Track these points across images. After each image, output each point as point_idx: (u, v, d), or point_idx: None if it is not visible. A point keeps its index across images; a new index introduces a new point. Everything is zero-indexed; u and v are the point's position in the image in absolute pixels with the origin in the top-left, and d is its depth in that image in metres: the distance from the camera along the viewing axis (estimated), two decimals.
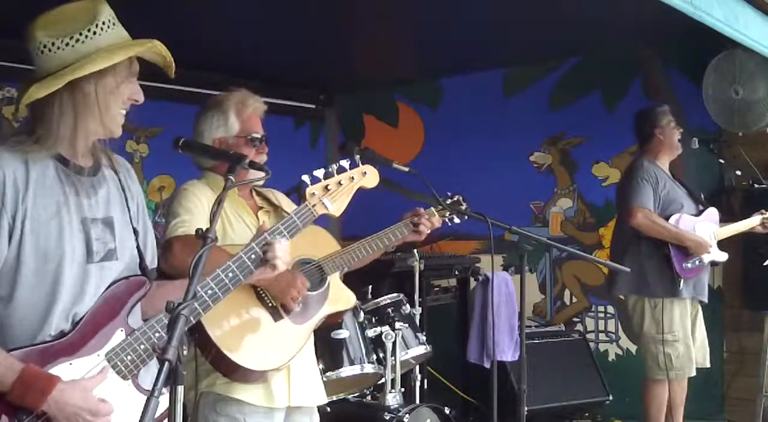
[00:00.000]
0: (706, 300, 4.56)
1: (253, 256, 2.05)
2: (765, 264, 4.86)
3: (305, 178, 2.19)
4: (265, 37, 5.01)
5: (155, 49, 1.94)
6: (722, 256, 4.59)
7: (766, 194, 5.03)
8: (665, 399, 4.51)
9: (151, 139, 5.52)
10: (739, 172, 5.20)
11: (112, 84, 1.90)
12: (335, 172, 2.22)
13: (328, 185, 2.21)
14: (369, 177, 2.31)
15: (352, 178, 2.26)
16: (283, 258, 2.09)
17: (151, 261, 2.12)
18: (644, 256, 4.40)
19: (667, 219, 4.39)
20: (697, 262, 4.40)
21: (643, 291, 4.44)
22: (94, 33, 1.87)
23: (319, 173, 2.21)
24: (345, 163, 2.25)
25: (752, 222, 4.66)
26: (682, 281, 4.35)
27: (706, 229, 4.50)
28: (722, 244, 4.63)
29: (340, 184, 2.23)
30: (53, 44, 1.87)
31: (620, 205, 4.58)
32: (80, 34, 1.86)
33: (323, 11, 4.54)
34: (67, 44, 1.86)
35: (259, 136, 2.77)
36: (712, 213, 4.61)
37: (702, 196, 4.70)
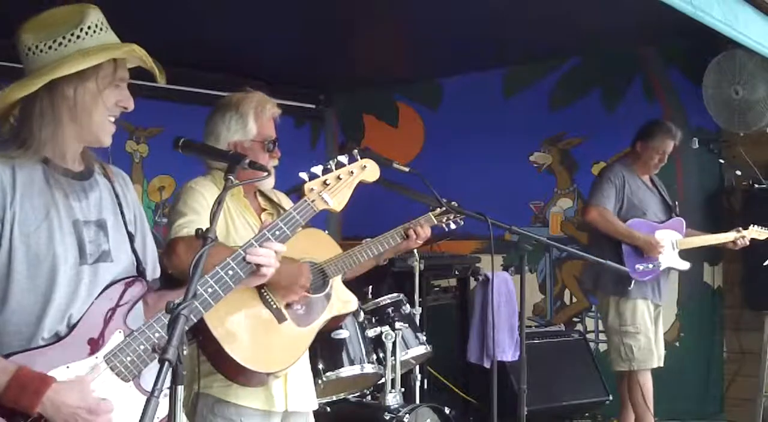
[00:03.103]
0: (661, 304, 4.64)
1: None
2: (765, 264, 4.86)
3: (303, 175, 2.16)
4: (266, 36, 5.01)
5: (135, 53, 1.89)
6: (683, 265, 4.67)
7: (766, 194, 5.03)
8: (650, 387, 4.59)
9: (151, 139, 5.52)
10: (739, 172, 5.20)
11: (93, 88, 1.86)
12: (334, 167, 2.18)
13: (326, 180, 2.17)
14: (369, 170, 2.26)
15: (352, 172, 2.21)
16: (272, 264, 2.02)
17: (152, 271, 2.08)
18: (603, 254, 4.44)
19: (624, 222, 4.50)
20: (650, 266, 4.47)
21: (600, 289, 4.63)
22: (78, 37, 1.84)
23: (317, 170, 2.17)
24: (343, 159, 2.20)
25: (726, 237, 4.69)
26: (633, 282, 4.42)
27: (666, 237, 4.57)
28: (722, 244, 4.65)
29: (339, 178, 2.18)
30: (37, 47, 1.85)
31: None
32: (64, 37, 1.84)
33: (323, 11, 4.54)
34: (50, 47, 1.84)
35: (273, 139, 2.76)
36: (677, 222, 4.70)
37: (677, 206, 4.76)
